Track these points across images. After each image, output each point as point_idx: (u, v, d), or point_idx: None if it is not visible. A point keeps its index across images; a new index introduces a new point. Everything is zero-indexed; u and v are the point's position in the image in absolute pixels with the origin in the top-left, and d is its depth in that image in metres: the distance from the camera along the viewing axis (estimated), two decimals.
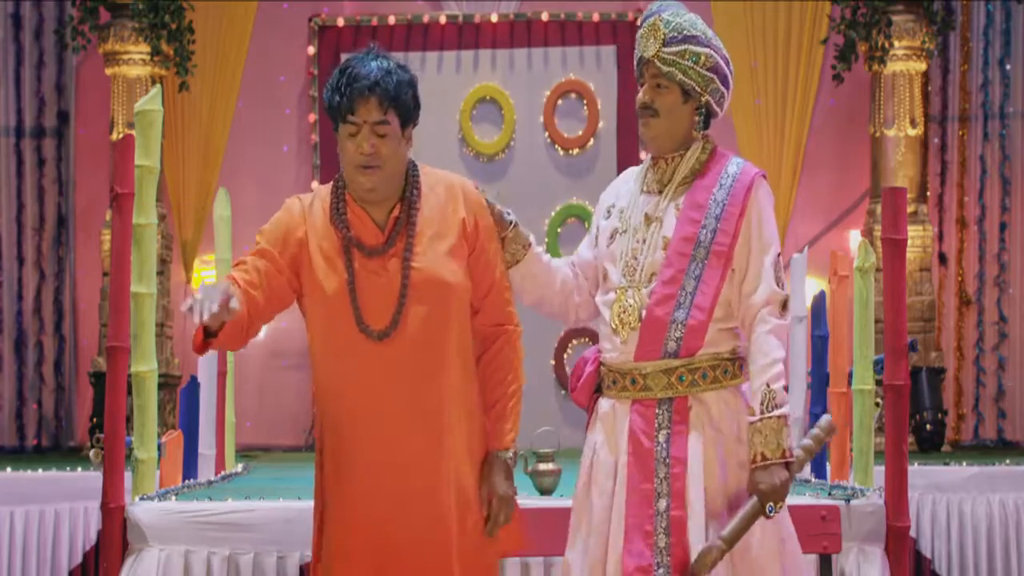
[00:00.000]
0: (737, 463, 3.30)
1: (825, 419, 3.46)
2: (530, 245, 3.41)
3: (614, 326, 3.32)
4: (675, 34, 3.30)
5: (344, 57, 10.22)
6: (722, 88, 3.36)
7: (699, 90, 3.32)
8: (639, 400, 3.30)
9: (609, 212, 3.44)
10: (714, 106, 3.36)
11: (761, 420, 3.25)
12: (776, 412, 3.25)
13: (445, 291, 3.23)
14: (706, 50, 3.32)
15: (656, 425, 3.28)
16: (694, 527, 3.23)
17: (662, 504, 3.23)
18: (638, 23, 3.40)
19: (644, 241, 3.32)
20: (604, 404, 3.38)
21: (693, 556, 3.20)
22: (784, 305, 3.31)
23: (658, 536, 3.22)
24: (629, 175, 3.50)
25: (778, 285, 3.29)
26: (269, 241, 3.27)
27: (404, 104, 3.23)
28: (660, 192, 3.35)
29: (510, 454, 3.31)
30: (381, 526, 3.20)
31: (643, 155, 8.86)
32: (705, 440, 3.28)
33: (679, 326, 3.27)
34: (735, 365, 3.34)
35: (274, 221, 3.31)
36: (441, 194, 3.31)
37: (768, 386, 3.25)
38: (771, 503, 3.25)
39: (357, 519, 3.21)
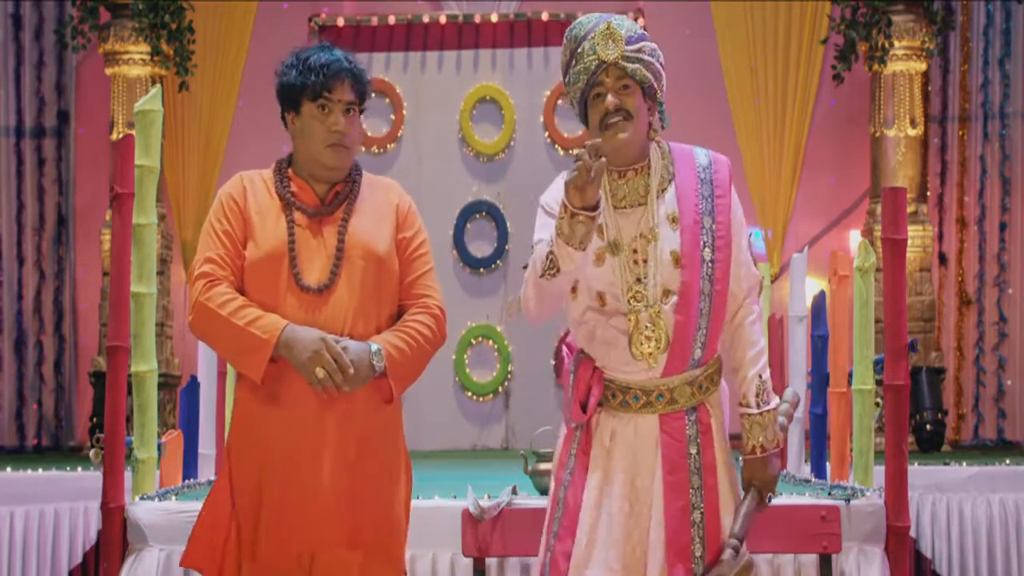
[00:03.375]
0: (728, 459, 3.34)
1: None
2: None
3: (638, 356, 3.24)
4: (632, 33, 3.27)
5: None
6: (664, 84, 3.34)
7: (656, 86, 3.28)
8: (667, 415, 3.28)
9: None
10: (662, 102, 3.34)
11: (761, 413, 3.28)
12: (773, 403, 3.30)
13: (377, 262, 3.36)
14: (655, 45, 3.30)
15: (687, 437, 3.28)
16: (723, 531, 3.29)
17: (697, 516, 3.24)
18: (574, 38, 3.28)
19: (647, 261, 3.25)
20: (620, 423, 3.30)
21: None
22: (760, 287, 3.35)
23: (695, 546, 3.23)
24: None
25: (753, 267, 3.34)
26: (228, 222, 3.38)
27: (366, 92, 3.44)
28: (640, 205, 3.29)
29: (377, 354, 3.30)
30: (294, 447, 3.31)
31: None
32: (719, 441, 3.32)
33: (703, 332, 3.26)
34: (719, 362, 3.36)
35: (221, 201, 3.41)
36: (377, 186, 3.49)
37: (760, 377, 3.30)
38: (771, 492, 3.31)
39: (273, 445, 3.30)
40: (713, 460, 3.28)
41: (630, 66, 3.24)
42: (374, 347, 3.30)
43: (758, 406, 3.29)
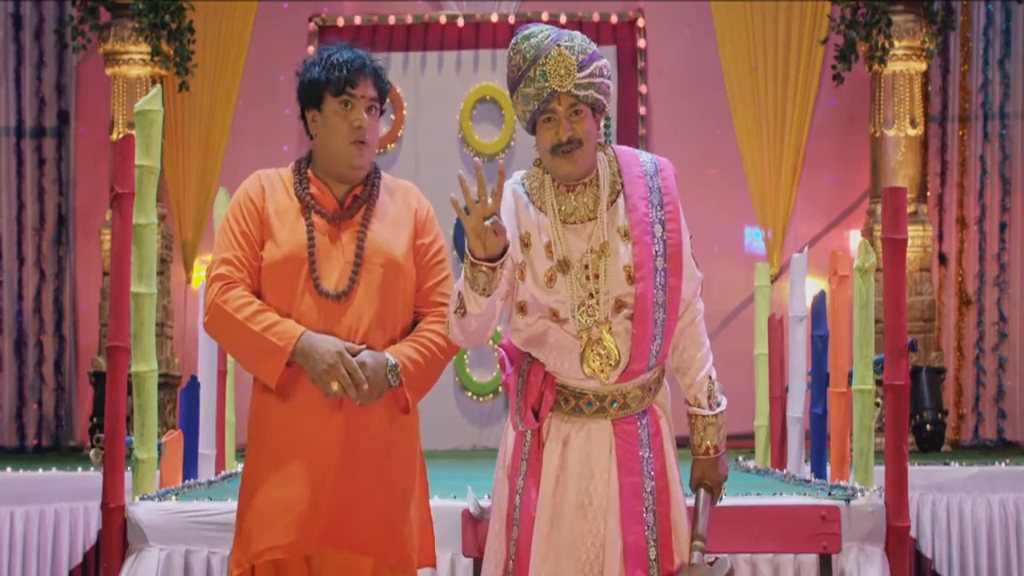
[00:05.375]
0: (676, 460, 3.33)
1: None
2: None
3: (589, 373, 3.21)
4: (584, 56, 3.17)
5: None
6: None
7: (604, 101, 3.22)
8: (620, 419, 3.26)
9: (526, 243, 3.24)
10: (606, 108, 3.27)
11: (715, 415, 3.32)
12: (724, 404, 3.34)
13: (395, 269, 3.34)
14: (604, 60, 3.23)
15: (639, 441, 3.26)
16: (680, 535, 3.28)
17: (650, 518, 3.24)
18: (523, 58, 3.18)
19: (599, 276, 3.20)
20: (573, 428, 3.27)
21: (675, 561, 3.26)
22: (702, 286, 3.36)
23: (649, 549, 3.23)
24: (516, 200, 3.27)
25: (696, 268, 3.33)
26: (245, 223, 3.35)
27: (386, 91, 3.41)
28: (590, 219, 3.23)
29: (393, 369, 3.29)
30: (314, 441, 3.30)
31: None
32: (669, 443, 3.32)
33: (659, 342, 3.24)
34: (665, 363, 3.35)
35: (239, 200, 3.38)
36: (396, 190, 3.46)
37: (710, 378, 3.33)
38: (722, 492, 3.37)
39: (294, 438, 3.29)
40: (664, 463, 3.27)
41: (582, 93, 3.16)
42: (391, 362, 3.29)
43: (711, 407, 3.32)
